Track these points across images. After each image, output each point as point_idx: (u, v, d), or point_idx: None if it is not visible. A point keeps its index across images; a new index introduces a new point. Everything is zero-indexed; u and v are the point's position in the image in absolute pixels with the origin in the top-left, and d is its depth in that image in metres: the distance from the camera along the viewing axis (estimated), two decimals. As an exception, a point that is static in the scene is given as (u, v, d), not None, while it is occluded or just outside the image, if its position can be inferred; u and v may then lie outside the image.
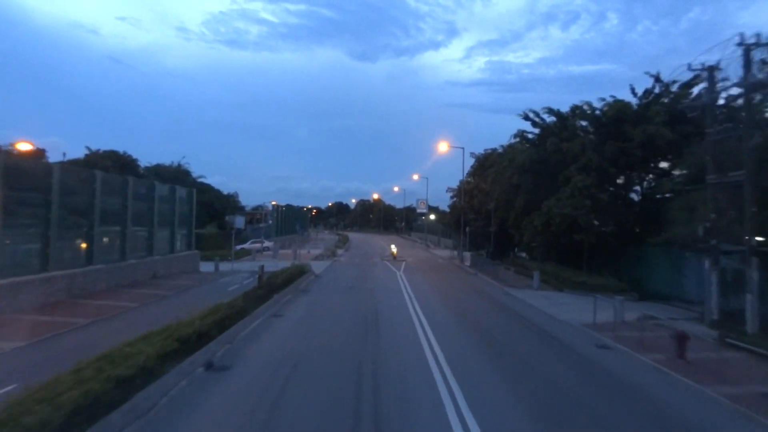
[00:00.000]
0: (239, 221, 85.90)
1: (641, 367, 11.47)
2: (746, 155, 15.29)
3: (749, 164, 15.17)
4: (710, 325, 16.03)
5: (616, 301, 16.17)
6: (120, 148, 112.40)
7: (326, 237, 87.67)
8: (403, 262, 40.01)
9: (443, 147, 42.17)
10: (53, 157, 71.16)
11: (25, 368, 9.96)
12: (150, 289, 20.79)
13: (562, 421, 7.93)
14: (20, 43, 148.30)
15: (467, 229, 39.89)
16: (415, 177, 75.36)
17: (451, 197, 47.75)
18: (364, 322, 15.25)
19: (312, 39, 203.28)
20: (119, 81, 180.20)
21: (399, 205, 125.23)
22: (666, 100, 27.28)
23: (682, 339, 11.79)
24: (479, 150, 44.82)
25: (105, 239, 21.03)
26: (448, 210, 52.78)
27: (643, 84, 28.50)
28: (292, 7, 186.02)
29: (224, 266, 31.71)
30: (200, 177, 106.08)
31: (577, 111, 29.21)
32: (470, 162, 45.69)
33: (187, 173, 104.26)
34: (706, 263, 17.23)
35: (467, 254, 38.30)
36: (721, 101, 20.68)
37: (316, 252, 45.39)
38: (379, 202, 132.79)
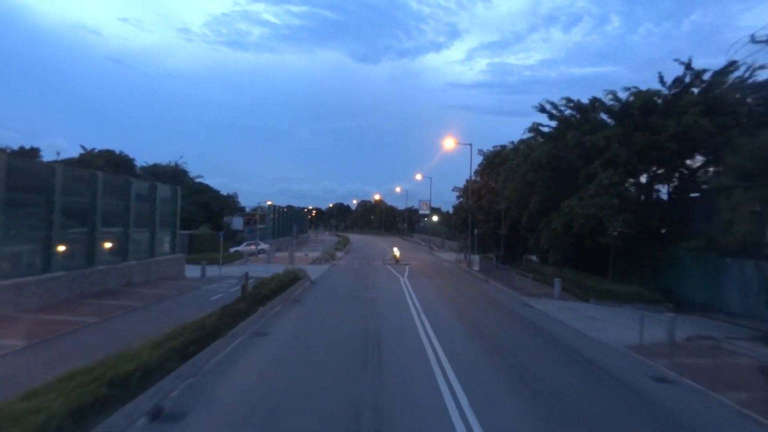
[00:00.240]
0: (237, 222, 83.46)
1: (723, 413, 8.81)
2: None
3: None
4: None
5: (667, 317, 13.53)
6: (123, 149, 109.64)
7: (326, 239, 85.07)
8: (407, 266, 37.37)
9: (449, 144, 39.58)
10: (47, 156, 68.73)
11: None
12: (119, 300, 18.17)
13: None
14: (22, 43, 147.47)
15: (475, 230, 37.25)
16: (418, 177, 72.81)
17: (458, 197, 45.20)
18: (363, 345, 12.60)
19: (314, 40, 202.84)
20: (121, 82, 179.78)
21: (401, 206, 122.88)
22: (696, 90, 24.70)
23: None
24: (484, 150, 42.19)
25: (70, 243, 18.42)
26: (452, 211, 50.12)
27: (646, 84, 25.96)
28: (294, 8, 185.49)
29: (212, 271, 29.11)
30: (198, 177, 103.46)
31: (597, 104, 26.57)
32: (478, 160, 43.09)
33: (184, 173, 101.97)
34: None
35: (475, 258, 35.68)
36: None
37: (313, 255, 42.77)
38: (380, 203, 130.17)
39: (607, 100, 25.58)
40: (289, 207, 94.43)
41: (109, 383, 7.30)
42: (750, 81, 23.43)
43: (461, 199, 44.93)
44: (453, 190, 44.87)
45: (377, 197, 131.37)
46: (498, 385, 9.88)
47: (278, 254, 43.16)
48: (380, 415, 7.88)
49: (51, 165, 17.94)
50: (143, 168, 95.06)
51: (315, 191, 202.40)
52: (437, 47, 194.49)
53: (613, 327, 16.15)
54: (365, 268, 35.24)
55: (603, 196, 22.40)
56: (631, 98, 24.61)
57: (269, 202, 67.64)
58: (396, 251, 41.29)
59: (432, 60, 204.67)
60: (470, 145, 39.68)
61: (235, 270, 30.36)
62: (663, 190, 27.04)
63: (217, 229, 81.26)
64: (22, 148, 73.18)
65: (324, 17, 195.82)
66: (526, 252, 37.38)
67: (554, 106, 27.70)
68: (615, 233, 22.57)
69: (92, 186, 19.71)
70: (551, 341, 14.27)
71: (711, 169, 23.71)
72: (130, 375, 7.84)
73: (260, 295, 17.53)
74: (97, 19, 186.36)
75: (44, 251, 16.78)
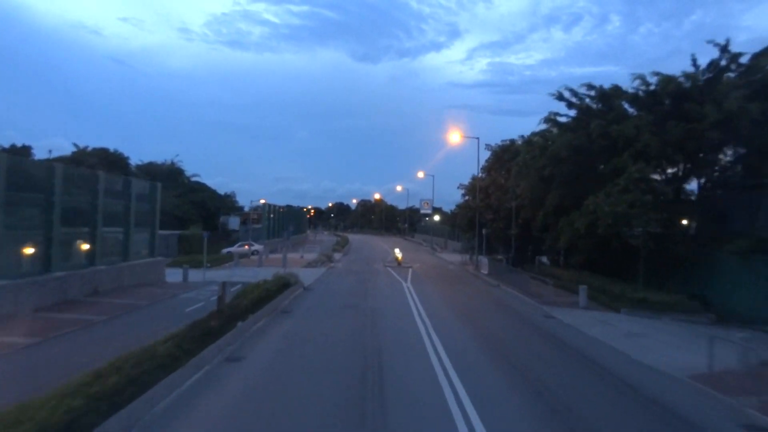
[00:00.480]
0: (233, 222, 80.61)
1: None
2: None
3: None
4: None
5: (739, 338, 10.86)
6: (123, 149, 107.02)
7: (325, 239, 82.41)
8: (409, 269, 34.70)
9: (455, 137, 36.85)
10: (39, 154, 66.40)
11: None
12: (77, 312, 15.53)
13: None
14: (21, 43, 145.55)
15: (483, 230, 34.58)
16: (420, 174, 69.92)
17: (463, 195, 42.48)
18: (361, 376, 9.95)
19: (314, 40, 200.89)
20: (121, 82, 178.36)
21: (401, 205, 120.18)
22: (733, 75, 22.07)
23: None
24: (491, 144, 39.47)
25: (18, 245, 15.77)
26: (456, 210, 47.42)
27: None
28: (294, 8, 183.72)
29: (197, 275, 26.44)
30: (194, 176, 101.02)
31: (620, 92, 23.92)
32: (485, 156, 40.33)
33: (180, 171, 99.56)
34: None
35: (484, 260, 32.99)
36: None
37: (310, 256, 40.08)
38: (380, 202, 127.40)
39: (635, 85, 22.91)
40: (288, 206, 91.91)
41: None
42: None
43: (467, 197, 42.24)
44: (458, 187, 42.27)
45: (377, 196, 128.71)
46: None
47: (272, 256, 40.52)
48: None
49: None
50: (138, 166, 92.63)
51: (315, 191, 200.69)
52: (437, 47, 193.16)
53: (662, 347, 13.48)
54: (365, 272, 32.58)
55: (634, 191, 19.73)
56: (662, 82, 21.94)
57: (263, 200, 65.04)
58: (397, 252, 38.65)
59: (432, 60, 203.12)
60: (477, 138, 37.05)
61: (221, 274, 27.71)
62: (691, 186, 24.43)
63: (211, 228, 78.90)
64: (13, 146, 70.84)
65: (324, 17, 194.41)
66: (539, 254, 34.71)
67: (574, 93, 25.01)
68: (647, 233, 19.93)
69: (50, 180, 17.04)
70: (591, 367, 11.60)
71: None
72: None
73: (240, 307, 14.87)
74: (97, 18, 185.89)
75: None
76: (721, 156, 22.93)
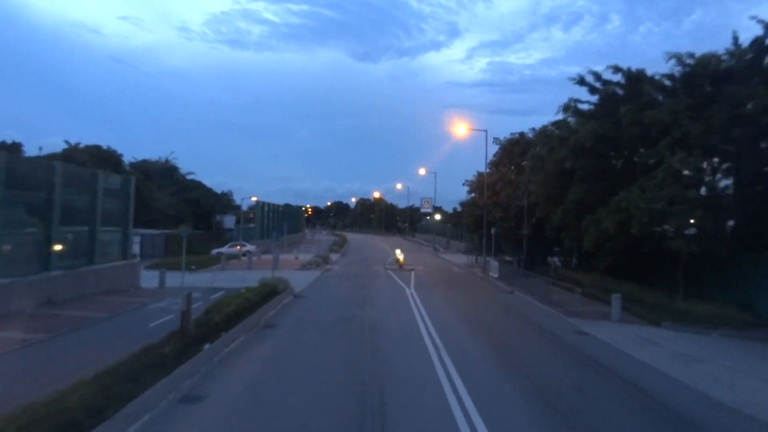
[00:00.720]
0: (228, 221, 77.71)
1: None
2: None
3: None
4: None
5: None
6: (122, 148, 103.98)
7: (323, 238, 79.79)
8: (412, 272, 32.02)
9: (461, 130, 34.16)
10: (30, 151, 63.88)
11: None
12: (12, 329, 12.82)
13: None
14: (20, 41, 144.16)
15: (492, 230, 31.89)
16: (422, 171, 67.43)
17: (468, 192, 39.77)
18: (358, 424, 7.29)
19: (314, 39, 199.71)
20: (121, 81, 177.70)
21: (401, 204, 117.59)
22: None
23: None
24: (500, 138, 36.75)
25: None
26: (460, 208, 44.74)
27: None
28: (294, 7, 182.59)
29: (176, 280, 23.70)
30: (189, 173, 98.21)
31: (650, 78, 21.25)
32: (492, 151, 37.61)
33: (174, 169, 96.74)
34: None
35: (494, 263, 30.29)
36: None
37: (305, 258, 37.35)
38: (380, 201, 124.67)
39: (669, 66, 20.23)
40: (286, 205, 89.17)
41: None
42: None
43: (473, 195, 39.54)
44: (464, 183, 39.54)
45: (377, 195, 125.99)
46: None
47: (265, 257, 37.77)
48: None
49: None
50: (132, 164, 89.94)
51: (315, 190, 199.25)
52: (437, 46, 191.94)
53: (732, 376, 10.79)
54: (363, 275, 29.88)
55: (674, 186, 17.06)
56: (699, 63, 19.28)
57: (254, 198, 62.52)
58: (399, 254, 35.95)
59: (432, 59, 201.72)
60: (485, 131, 34.40)
61: (205, 278, 24.98)
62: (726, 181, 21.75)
63: (205, 228, 76.17)
64: (4, 142, 68.29)
65: (324, 16, 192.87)
66: (555, 255, 32.09)
67: (597, 77, 22.32)
68: (687, 233, 17.29)
69: (-11, 170, 14.34)
70: (654, 408, 8.90)
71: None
72: None
73: (210, 325, 12.19)
74: (96, 17, 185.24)
75: None
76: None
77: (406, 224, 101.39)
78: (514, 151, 34.40)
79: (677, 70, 20.02)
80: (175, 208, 79.98)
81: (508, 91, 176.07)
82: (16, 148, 72.98)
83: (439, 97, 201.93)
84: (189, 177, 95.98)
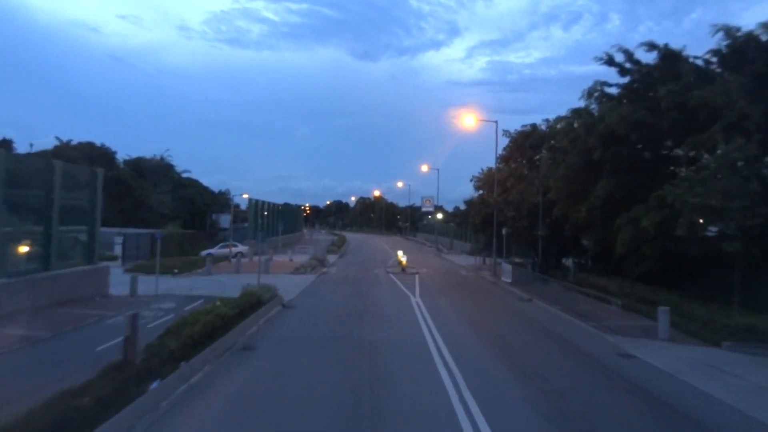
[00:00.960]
0: (225, 220, 74.88)
1: None
2: None
3: None
4: None
5: None
6: (122, 147, 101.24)
7: (321, 238, 77.10)
8: (416, 276, 29.33)
9: (470, 121, 31.43)
10: (21, 148, 61.44)
11: None
12: None
13: None
14: (19, 40, 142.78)
15: (503, 230, 29.16)
16: (425, 168, 64.69)
17: (476, 189, 36.99)
18: None
19: (313, 38, 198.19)
20: (120, 80, 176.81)
21: (402, 203, 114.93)
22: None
23: None
24: (510, 131, 33.99)
25: None
26: (466, 206, 41.96)
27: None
28: (293, 6, 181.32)
29: (149, 284, 21.07)
30: (185, 171, 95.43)
31: (681, 57, 18.59)
32: (502, 144, 34.80)
33: (170, 167, 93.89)
34: None
35: (506, 266, 27.55)
36: None
37: (300, 259, 34.62)
38: (380, 199, 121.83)
39: (716, 41, 17.52)
40: (285, 204, 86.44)
41: None
42: None
43: (480, 192, 36.78)
44: (471, 180, 36.79)
45: (377, 193, 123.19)
46: None
47: (256, 258, 34.83)
48: None
49: None
50: (126, 161, 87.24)
51: (315, 189, 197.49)
52: (437, 45, 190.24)
53: None
54: (363, 280, 27.15)
55: (730, 178, 14.36)
56: (755, 35, 16.59)
57: (246, 195, 59.75)
58: (401, 256, 33.21)
59: (432, 58, 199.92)
60: (495, 122, 31.65)
61: (181, 285, 22.25)
62: None
63: (199, 227, 73.33)
64: (-3, 139, 65.82)
65: (323, 15, 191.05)
66: (572, 257, 29.43)
67: (629, 56, 19.64)
68: (747, 234, 14.58)
69: None
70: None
71: None
72: None
73: (166, 352, 9.48)
74: (96, 16, 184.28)
75: None
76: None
77: (407, 224, 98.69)
78: (526, 145, 31.69)
79: (725, 45, 17.30)
80: (169, 207, 77.32)
81: (508, 91, 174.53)
82: (6, 144, 70.50)
83: (438, 96, 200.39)
84: (185, 175, 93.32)
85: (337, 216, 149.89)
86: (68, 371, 9.12)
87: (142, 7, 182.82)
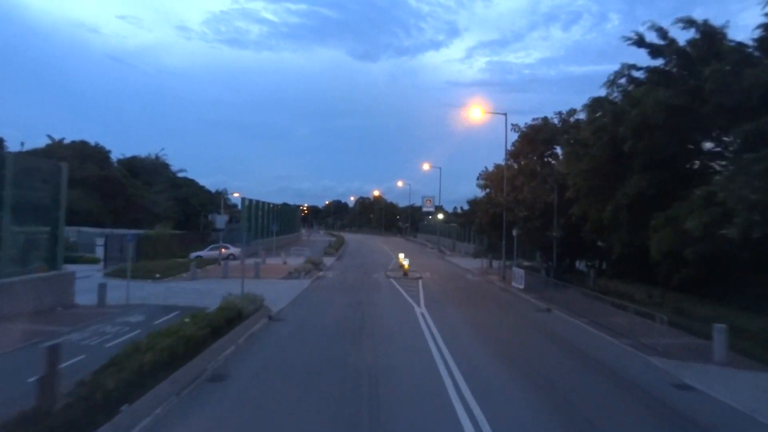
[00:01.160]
0: (220, 220, 72.48)
1: None
2: None
3: None
4: None
5: None
6: (122, 148, 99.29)
7: (319, 239, 74.80)
8: (419, 281, 27.07)
9: (476, 114, 29.16)
10: (13, 147, 59.65)
11: None
12: None
13: None
14: (19, 40, 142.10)
15: (514, 231, 26.86)
16: (426, 167, 62.46)
17: (483, 188, 34.70)
18: None
19: (313, 38, 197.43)
20: (120, 80, 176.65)
21: (402, 203, 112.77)
22: None
23: None
24: (519, 125, 31.68)
25: None
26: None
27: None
28: (293, 6, 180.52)
29: (119, 292, 18.81)
30: (180, 171, 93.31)
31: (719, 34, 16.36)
32: (510, 139, 32.46)
33: (165, 166, 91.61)
34: None
35: (517, 271, 25.23)
36: None
37: (295, 262, 32.31)
38: (379, 199, 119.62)
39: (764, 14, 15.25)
40: (284, 204, 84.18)
41: None
42: None
43: (487, 191, 34.51)
44: (478, 177, 34.50)
45: (376, 193, 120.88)
46: None
47: (251, 261, 32.43)
48: None
49: None
50: (120, 161, 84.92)
51: (315, 189, 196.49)
52: (436, 45, 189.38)
53: None
54: (361, 286, 24.86)
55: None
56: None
57: (236, 194, 57.27)
58: (403, 259, 30.92)
59: (431, 58, 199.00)
60: (504, 114, 29.41)
61: (157, 291, 19.87)
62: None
63: (193, 227, 70.90)
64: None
65: (323, 15, 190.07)
66: (587, 261, 27.18)
67: (663, 34, 17.37)
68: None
69: None
70: None
71: None
72: None
73: (98, 395, 7.17)
74: (95, 16, 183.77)
75: None
76: None
77: (407, 224, 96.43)
78: (537, 138, 29.41)
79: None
80: (162, 207, 75.08)
81: (508, 91, 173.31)
82: (-4, 142, 68.46)
83: (438, 96, 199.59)
84: (180, 174, 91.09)
85: (336, 216, 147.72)
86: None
87: (141, 8, 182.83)
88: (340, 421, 7.67)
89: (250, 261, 32.73)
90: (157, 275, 25.34)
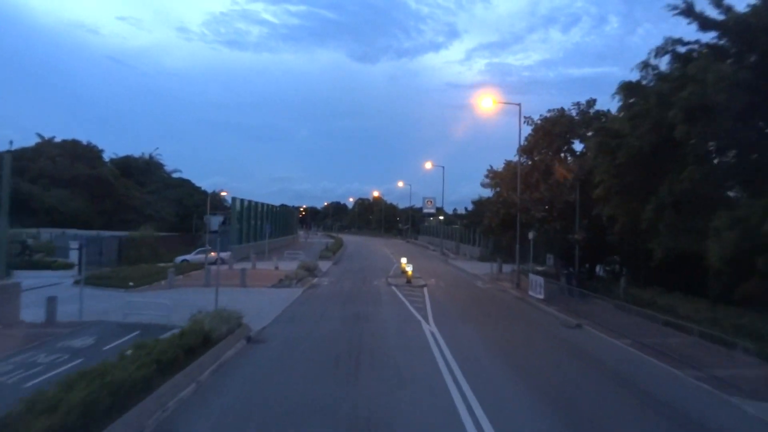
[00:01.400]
0: (215, 222, 69.45)
1: None
2: None
3: None
4: None
5: None
6: (120, 149, 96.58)
7: (316, 241, 72.02)
8: (424, 288, 24.34)
9: (487, 103, 26.35)
10: (2, 146, 57.26)
11: None
12: None
13: None
14: (19, 41, 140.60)
15: (530, 234, 24.07)
16: (428, 165, 59.77)
17: (492, 187, 31.92)
18: None
19: (313, 40, 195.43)
20: (119, 81, 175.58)
21: (402, 204, 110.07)
22: None
23: None
24: (533, 118, 28.95)
25: None
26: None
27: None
28: (292, 8, 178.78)
29: (94, 302, 16.09)
30: (175, 171, 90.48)
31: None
32: (521, 134, 29.68)
33: (159, 166, 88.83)
34: None
35: (535, 278, 22.42)
36: None
37: (288, 267, 29.58)
38: (379, 200, 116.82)
39: None
40: (282, 206, 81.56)
41: None
42: None
43: (497, 190, 31.76)
44: (486, 175, 31.74)
45: (376, 194, 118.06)
46: None
47: (240, 266, 29.65)
48: None
49: None
50: (112, 160, 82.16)
51: (314, 191, 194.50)
52: (436, 47, 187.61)
53: None
54: (360, 296, 22.07)
55: None
56: None
57: (224, 192, 54.74)
58: (405, 264, 28.13)
59: (431, 60, 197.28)
60: (519, 105, 26.68)
61: (132, 303, 16.97)
62: None
63: (186, 229, 68.00)
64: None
65: (323, 17, 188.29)
66: (608, 265, 24.44)
67: (717, 1, 14.62)
68: None
69: None
70: None
71: None
72: None
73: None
74: (95, 17, 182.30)
75: None
76: None
77: (408, 225, 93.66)
78: (554, 131, 26.67)
79: None
80: (154, 207, 72.41)
81: (507, 93, 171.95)
82: (-15, 141, 65.55)
83: (438, 98, 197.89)
84: (175, 175, 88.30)
85: (334, 218, 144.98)
86: None
87: (141, 9, 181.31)
88: None
89: (239, 266, 30.05)
90: (131, 283, 22.59)
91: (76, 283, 24.61)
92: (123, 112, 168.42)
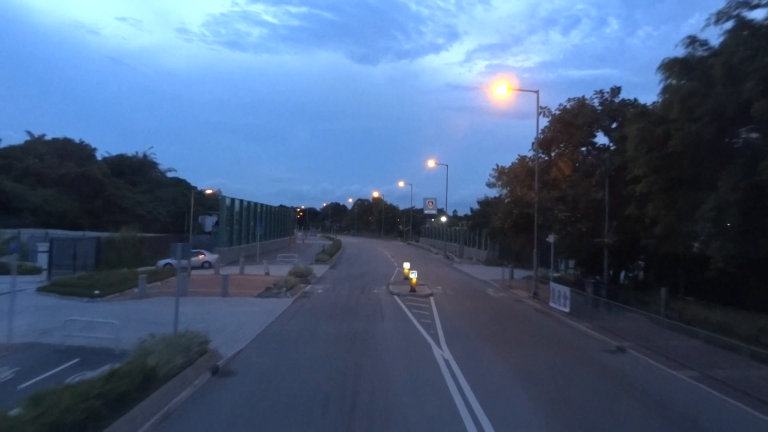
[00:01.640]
0: (210, 222, 66.76)
1: None
2: None
3: None
4: None
5: None
6: (119, 149, 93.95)
7: (314, 243, 69.17)
8: (430, 298, 21.56)
9: (502, 90, 23.57)
10: None
11: None
12: None
13: None
14: (19, 41, 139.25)
15: (551, 237, 21.26)
16: (432, 164, 57.00)
17: (503, 186, 29.14)
18: None
19: (313, 41, 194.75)
20: (119, 82, 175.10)
21: (402, 205, 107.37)
22: None
23: None
24: (551, 109, 26.19)
25: None
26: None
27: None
28: (293, 9, 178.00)
29: (34, 317, 13.32)
30: (169, 170, 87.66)
31: None
32: (540, 126, 26.88)
33: (153, 165, 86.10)
34: None
35: (560, 288, 19.60)
36: None
37: (279, 272, 26.72)
38: (379, 201, 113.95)
39: None
40: (281, 206, 79.07)
41: None
42: None
43: (507, 189, 28.98)
44: (495, 170, 28.97)
45: (376, 194, 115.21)
46: None
47: (225, 271, 26.70)
48: None
49: None
50: (105, 159, 79.52)
51: (314, 192, 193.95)
52: (436, 49, 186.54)
53: None
54: (358, 309, 19.23)
55: None
56: None
57: (209, 191, 51.99)
58: (409, 271, 25.30)
59: (431, 61, 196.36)
60: (537, 92, 23.91)
61: (84, 319, 14.15)
62: None
63: (179, 230, 65.21)
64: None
65: (323, 18, 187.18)
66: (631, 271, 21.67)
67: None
68: None
69: None
70: None
71: None
72: None
73: None
74: (95, 18, 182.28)
75: None
76: None
77: (408, 227, 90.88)
78: (576, 123, 23.89)
79: None
80: (146, 207, 69.83)
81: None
82: (-29, 141, 63.82)
83: (438, 99, 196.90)
84: (170, 174, 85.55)
85: (333, 219, 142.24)
86: None
87: (141, 10, 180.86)
88: None
89: (226, 270, 27.26)
90: (96, 292, 19.78)
91: (40, 289, 21.89)
92: (123, 112, 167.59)
